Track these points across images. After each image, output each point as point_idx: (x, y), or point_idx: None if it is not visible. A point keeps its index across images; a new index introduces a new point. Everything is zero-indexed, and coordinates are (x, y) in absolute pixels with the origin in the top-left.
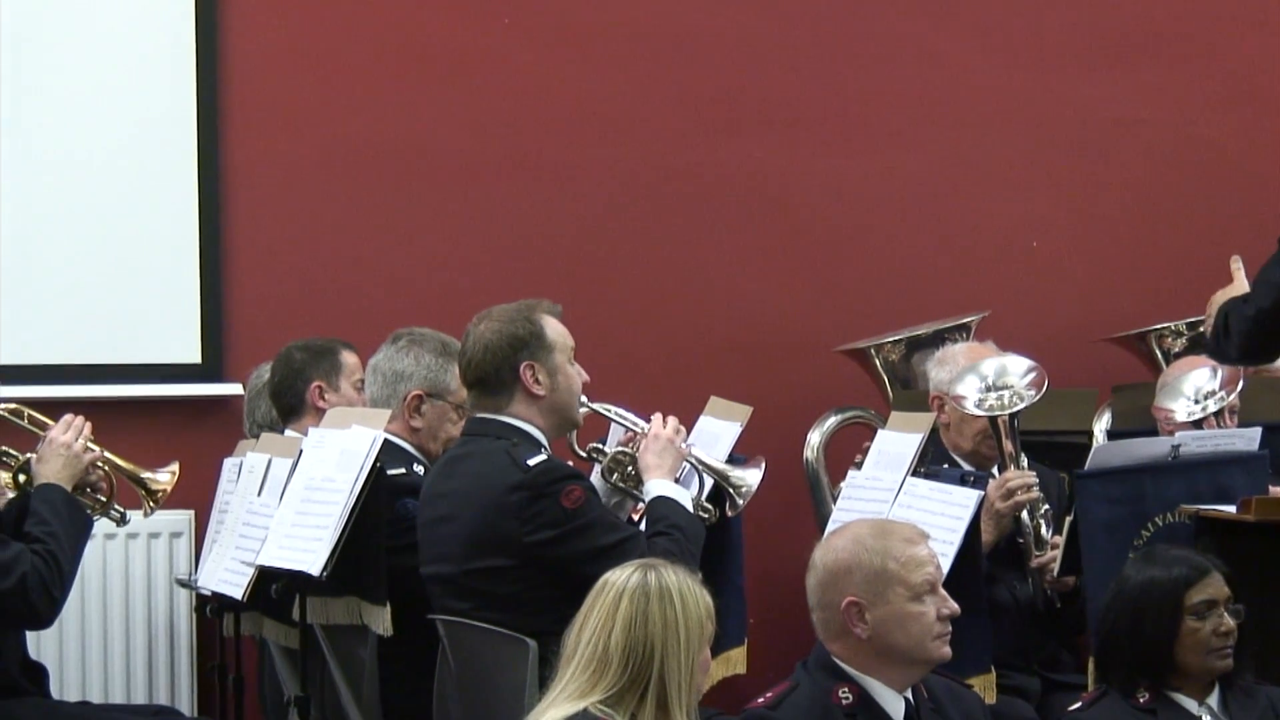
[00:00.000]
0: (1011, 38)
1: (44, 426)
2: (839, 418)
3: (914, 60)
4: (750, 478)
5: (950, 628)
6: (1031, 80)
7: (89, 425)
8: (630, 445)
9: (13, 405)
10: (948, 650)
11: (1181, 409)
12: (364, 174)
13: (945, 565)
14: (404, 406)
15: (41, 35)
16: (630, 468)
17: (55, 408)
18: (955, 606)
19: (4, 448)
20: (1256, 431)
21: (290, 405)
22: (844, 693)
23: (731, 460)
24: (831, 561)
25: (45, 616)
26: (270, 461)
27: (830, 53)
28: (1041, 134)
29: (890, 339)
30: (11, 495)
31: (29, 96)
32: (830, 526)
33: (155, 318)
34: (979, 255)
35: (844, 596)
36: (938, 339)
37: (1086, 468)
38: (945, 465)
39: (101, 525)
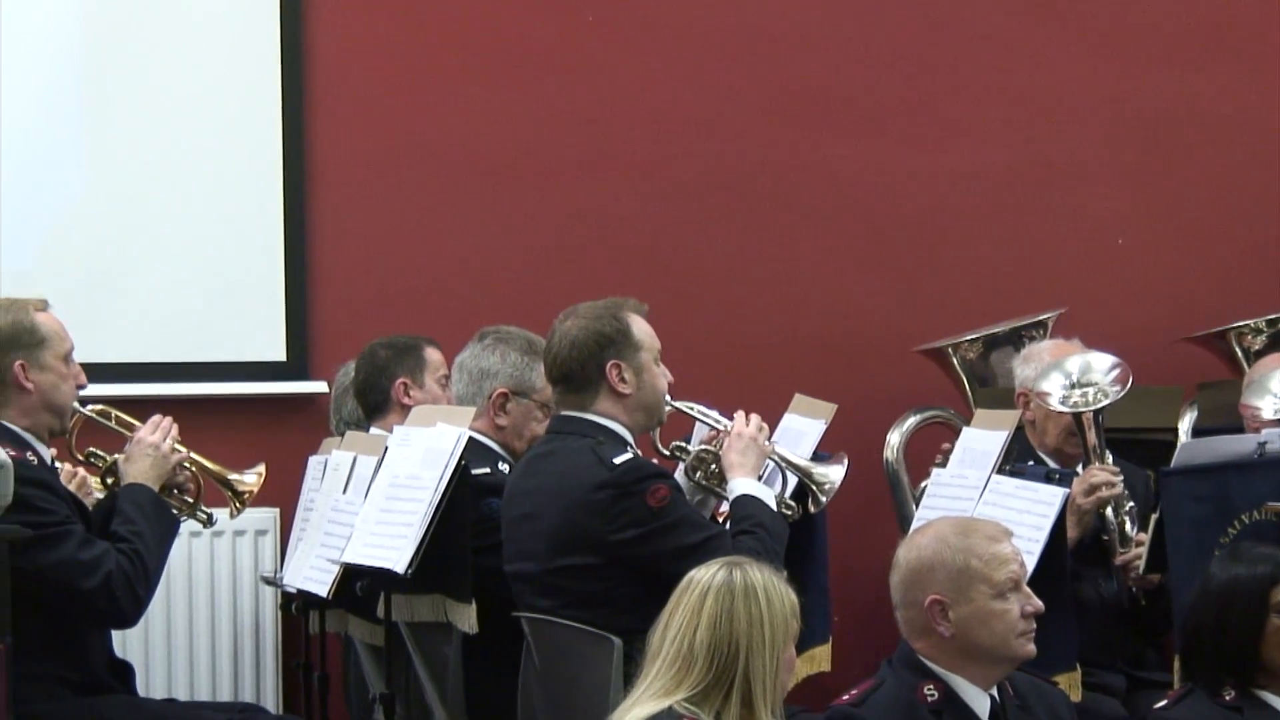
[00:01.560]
0: (1094, 33)
1: (131, 427)
2: (918, 418)
3: (997, 56)
4: (833, 474)
5: (1034, 625)
6: (1114, 76)
7: (176, 426)
8: (713, 443)
9: (100, 407)
10: (1032, 648)
11: (1268, 406)
12: (448, 172)
13: (1030, 563)
14: (489, 404)
15: (127, 35)
16: (714, 466)
17: (142, 405)
18: (1039, 604)
19: (92, 449)
20: None
21: (375, 402)
22: (929, 690)
23: (815, 458)
24: (914, 559)
25: (130, 616)
26: (355, 459)
27: (912, 49)
28: (1124, 130)
29: (968, 338)
30: (99, 496)
31: (115, 97)
32: (915, 524)
33: (241, 316)
34: (1062, 252)
35: (927, 594)
36: (1015, 337)
37: (1172, 465)
38: (1030, 463)
39: (187, 523)
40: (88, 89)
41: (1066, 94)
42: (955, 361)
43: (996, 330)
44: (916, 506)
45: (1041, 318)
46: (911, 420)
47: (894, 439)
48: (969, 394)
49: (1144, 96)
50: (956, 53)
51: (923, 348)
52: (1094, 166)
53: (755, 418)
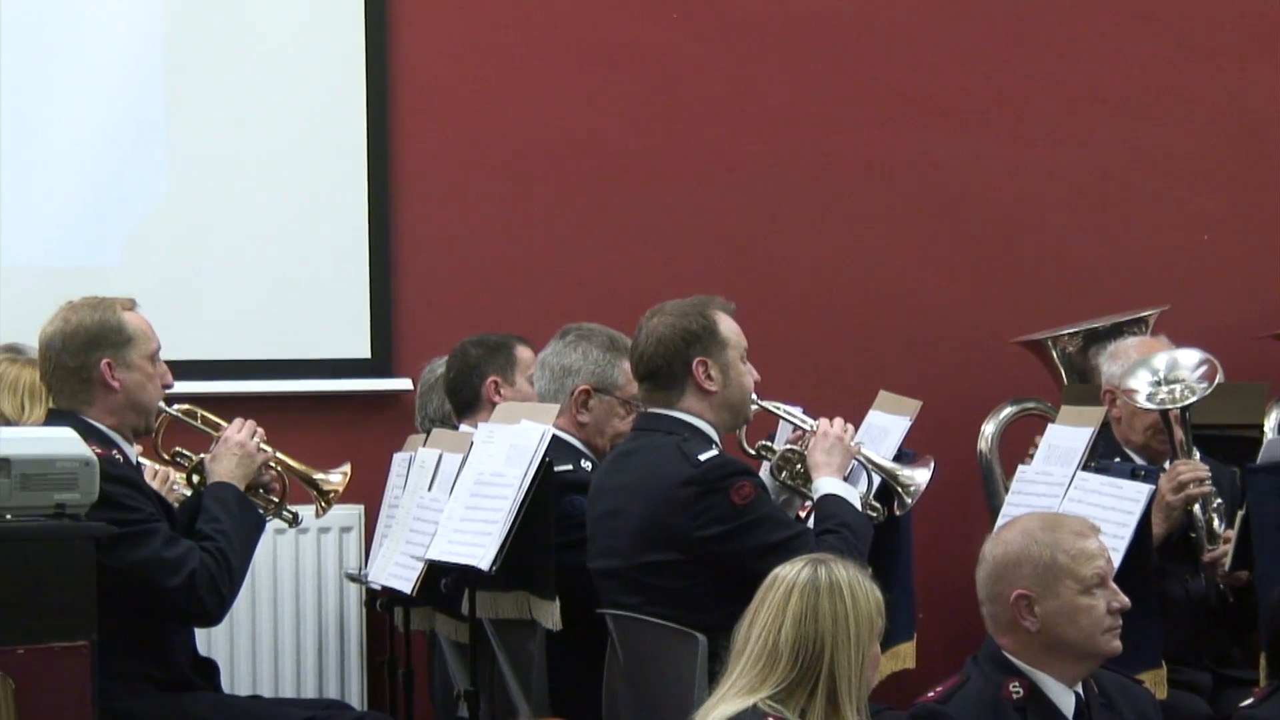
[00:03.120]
0: (1184, 30)
1: (217, 427)
2: (1015, 409)
3: (1087, 52)
4: (919, 477)
5: (1120, 621)
6: (1204, 72)
7: (261, 430)
8: (799, 443)
9: (186, 406)
10: (1118, 644)
11: None
12: (533, 169)
13: (1116, 559)
14: (571, 401)
15: (210, 33)
16: (799, 465)
17: (227, 403)
18: (1125, 600)
19: (178, 448)
20: None
21: (466, 400)
22: (1014, 687)
23: (900, 457)
24: (1001, 554)
25: (213, 614)
26: (441, 456)
27: (1003, 45)
28: (1213, 126)
29: (1068, 331)
30: (185, 494)
31: (199, 95)
32: (1000, 521)
33: (326, 313)
34: (1149, 249)
35: (1013, 589)
36: (1115, 332)
37: (1257, 462)
38: (1116, 459)
39: (272, 521)
40: (172, 87)
41: (1156, 90)
42: (1054, 354)
43: (1097, 325)
44: None
45: (1143, 314)
46: (1007, 411)
47: (988, 429)
48: (1066, 388)
49: (1231, 92)
50: (1045, 48)
51: (1021, 339)
52: (1184, 163)
53: (839, 419)
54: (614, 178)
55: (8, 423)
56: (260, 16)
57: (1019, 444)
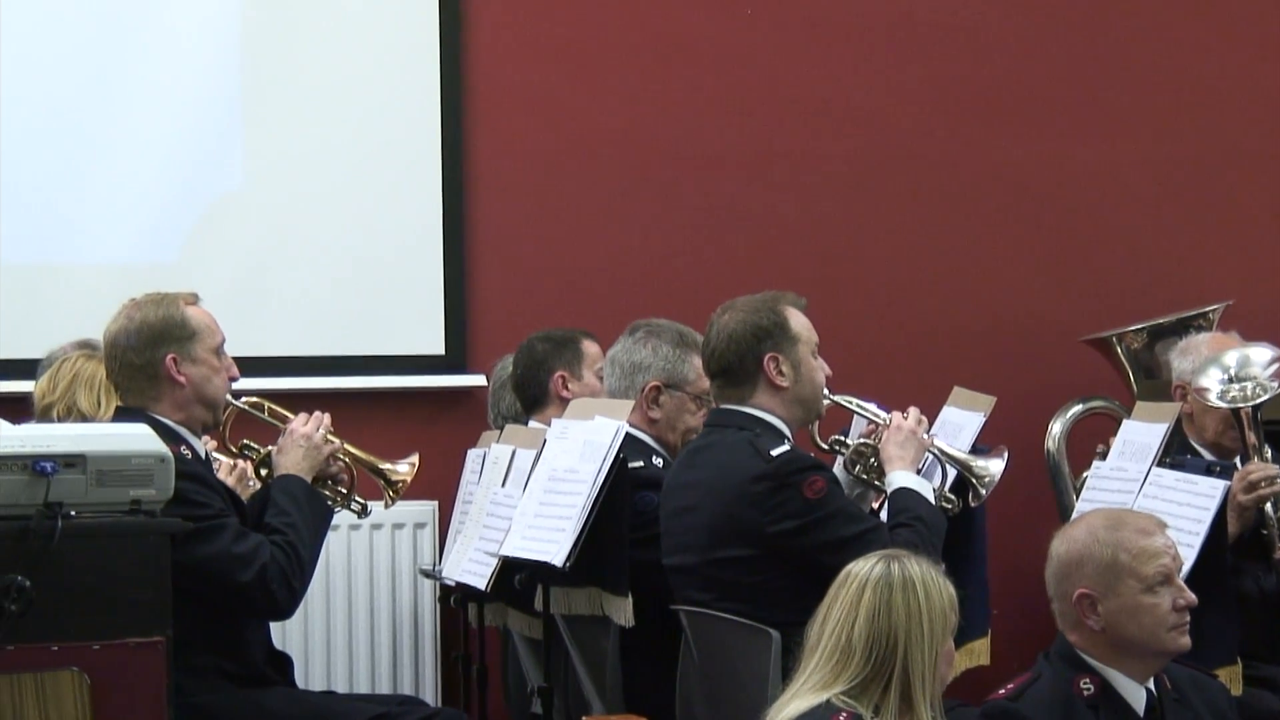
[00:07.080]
0: (1255, 24)
1: (284, 419)
2: (1082, 407)
3: (1157, 49)
4: (993, 467)
5: (1187, 618)
6: (1274, 67)
7: (328, 417)
8: (872, 437)
9: (254, 399)
10: (1186, 640)
11: None
12: (606, 165)
13: (1190, 556)
14: (642, 398)
15: (286, 30)
16: (873, 459)
17: (301, 400)
18: (1192, 597)
19: (245, 440)
20: None
21: (534, 396)
22: (1085, 684)
23: (974, 450)
24: (1065, 553)
25: (285, 608)
26: (514, 452)
27: (1073, 40)
28: None
29: (1133, 328)
30: (256, 486)
31: (273, 91)
32: (1074, 516)
33: (399, 310)
34: (1222, 244)
35: (1076, 588)
36: (1180, 328)
37: None
38: (1188, 455)
39: (347, 516)
40: (247, 83)
41: (1227, 84)
42: (1120, 352)
43: (1162, 321)
44: (1077, 497)
45: (1207, 309)
46: (1075, 409)
47: (1056, 428)
48: (1133, 385)
49: None
50: (1117, 44)
51: (1087, 338)
52: (1255, 158)
53: (914, 411)
54: (687, 174)
55: (84, 418)
56: (336, 12)
57: (1089, 442)
